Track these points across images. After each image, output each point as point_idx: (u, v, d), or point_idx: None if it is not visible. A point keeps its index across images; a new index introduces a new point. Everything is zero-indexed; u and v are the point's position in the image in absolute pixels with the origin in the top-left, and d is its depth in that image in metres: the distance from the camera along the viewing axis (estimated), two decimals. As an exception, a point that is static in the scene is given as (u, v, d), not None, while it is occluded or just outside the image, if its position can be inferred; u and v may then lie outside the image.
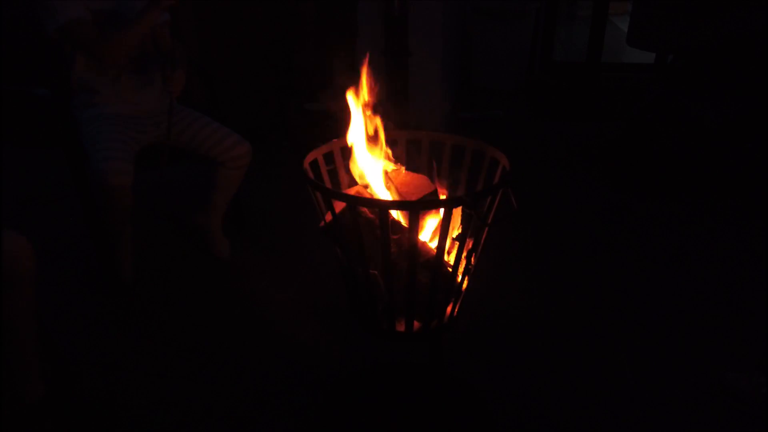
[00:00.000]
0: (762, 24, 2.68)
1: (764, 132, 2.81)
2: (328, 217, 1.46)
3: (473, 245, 1.51)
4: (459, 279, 1.54)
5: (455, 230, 1.53)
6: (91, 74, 2.14)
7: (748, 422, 1.67)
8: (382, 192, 1.55)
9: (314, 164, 1.58)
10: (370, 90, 1.52)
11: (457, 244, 1.43)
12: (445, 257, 1.49)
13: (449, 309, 1.59)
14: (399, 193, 1.52)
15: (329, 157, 1.63)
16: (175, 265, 2.48)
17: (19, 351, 1.58)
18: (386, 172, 1.56)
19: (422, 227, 1.55)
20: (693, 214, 2.83)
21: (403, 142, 1.70)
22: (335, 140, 1.63)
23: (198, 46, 3.50)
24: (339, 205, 1.43)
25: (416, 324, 1.57)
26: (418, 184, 1.55)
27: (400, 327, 1.57)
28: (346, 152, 1.61)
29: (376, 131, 1.54)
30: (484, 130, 4.05)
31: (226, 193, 2.36)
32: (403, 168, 1.57)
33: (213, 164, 2.27)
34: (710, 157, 3.04)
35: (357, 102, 1.52)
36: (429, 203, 1.45)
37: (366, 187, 1.55)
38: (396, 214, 1.52)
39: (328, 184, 1.60)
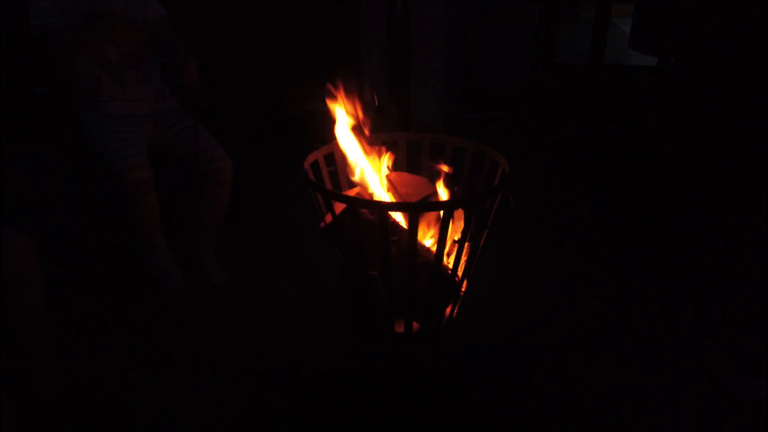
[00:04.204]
0: (763, 27, 2.68)
1: (766, 134, 2.81)
2: (329, 218, 1.46)
3: (473, 247, 1.51)
4: (458, 280, 1.54)
5: (457, 233, 1.53)
6: (91, 74, 2.15)
7: (746, 425, 1.67)
8: (382, 193, 1.55)
9: (315, 165, 1.58)
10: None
11: (457, 245, 1.44)
12: (445, 259, 1.50)
13: (448, 310, 1.60)
14: (399, 194, 1.52)
15: (330, 158, 1.64)
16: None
17: (35, 345, 1.61)
18: (387, 175, 1.57)
19: (422, 229, 1.55)
20: (694, 216, 2.83)
21: (404, 144, 1.70)
22: (336, 141, 1.63)
23: (200, 45, 3.50)
24: (339, 206, 1.43)
25: (415, 325, 1.57)
26: (418, 185, 1.55)
27: (400, 328, 1.58)
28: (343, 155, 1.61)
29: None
30: (486, 131, 4.05)
31: (212, 212, 2.26)
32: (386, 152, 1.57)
33: (196, 179, 2.23)
34: (712, 159, 3.04)
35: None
36: (428, 205, 1.45)
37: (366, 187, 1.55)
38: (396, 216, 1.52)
39: (329, 185, 1.61)
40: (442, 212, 1.33)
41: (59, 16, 2.03)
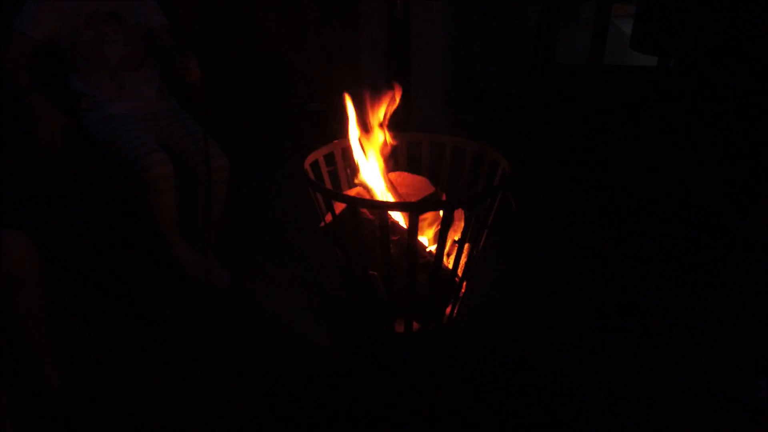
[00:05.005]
0: (763, 29, 2.68)
1: (765, 135, 2.81)
2: (329, 217, 1.46)
3: (473, 247, 1.51)
4: (458, 280, 1.54)
5: (457, 233, 1.53)
6: (89, 77, 2.16)
7: (746, 425, 1.67)
8: (382, 193, 1.55)
9: (315, 165, 1.58)
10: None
11: (456, 245, 1.44)
12: (445, 259, 1.50)
13: (448, 310, 1.59)
14: (399, 194, 1.52)
15: (330, 158, 1.64)
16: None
17: (31, 346, 1.61)
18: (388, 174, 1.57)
19: (422, 229, 1.55)
20: (694, 217, 2.83)
21: (404, 144, 1.70)
22: (336, 141, 1.64)
23: (200, 45, 3.50)
24: (339, 206, 1.43)
25: (415, 325, 1.57)
26: (418, 185, 1.55)
27: (399, 328, 1.58)
28: (347, 153, 1.61)
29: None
30: (486, 131, 4.05)
31: (209, 211, 2.22)
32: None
33: (193, 179, 2.21)
34: (712, 160, 3.04)
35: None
36: (428, 205, 1.45)
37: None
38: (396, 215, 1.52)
39: (329, 185, 1.61)
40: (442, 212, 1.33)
41: (46, 30, 2.03)
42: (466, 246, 1.49)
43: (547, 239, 2.66)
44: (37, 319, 1.57)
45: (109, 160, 2.18)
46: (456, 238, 1.45)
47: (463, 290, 1.59)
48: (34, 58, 2.05)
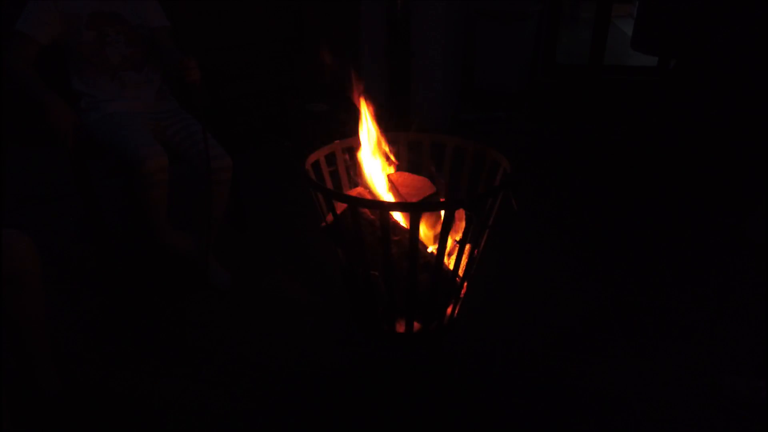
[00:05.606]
0: (763, 29, 2.68)
1: (765, 135, 2.81)
2: (330, 217, 1.46)
3: (474, 247, 1.51)
4: (459, 280, 1.54)
5: (458, 233, 1.53)
6: (90, 77, 2.16)
7: (746, 425, 1.67)
8: (383, 193, 1.55)
9: (316, 165, 1.58)
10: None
11: (458, 245, 1.44)
12: (446, 259, 1.50)
13: (449, 310, 1.60)
14: (400, 194, 1.52)
15: (331, 158, 1.64)
16: (175, 263, 2.48)
17: (33, 346, 1.61)
18: (389, 175, 1.57)
19: (423, 229, 1.55)
20: (694, 217, 2.83)
21: (405, 144, 1.71)
22: (337, 141, 1.64)
23: (200, 46, 3.50)
24: (340, 206, 1.43)
25: (416, 325, 1.57)
26: (419, 185, 1.55)
27: (400, 328, 1.58)
28: (349, 153, 1.61)
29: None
30: (486, 131, 4.05)
31: (211, 211, 2.20)
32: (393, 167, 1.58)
33: (195, 179, 2.20)
34: (712, 160, 3.04)
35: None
36: (429, 205, 1.45)
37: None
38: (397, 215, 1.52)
39: (330, 185, 1.61)
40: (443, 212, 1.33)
41: (49, 31, 2.04)
42: (467, 246, 1.49)
43: (547, 239, 2.66)
44: (38, 319, 1.58)
45: (109, 159, 2.18)
46: (457, 239, 1.46)
47: (463, 290, 1.59)
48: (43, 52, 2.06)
